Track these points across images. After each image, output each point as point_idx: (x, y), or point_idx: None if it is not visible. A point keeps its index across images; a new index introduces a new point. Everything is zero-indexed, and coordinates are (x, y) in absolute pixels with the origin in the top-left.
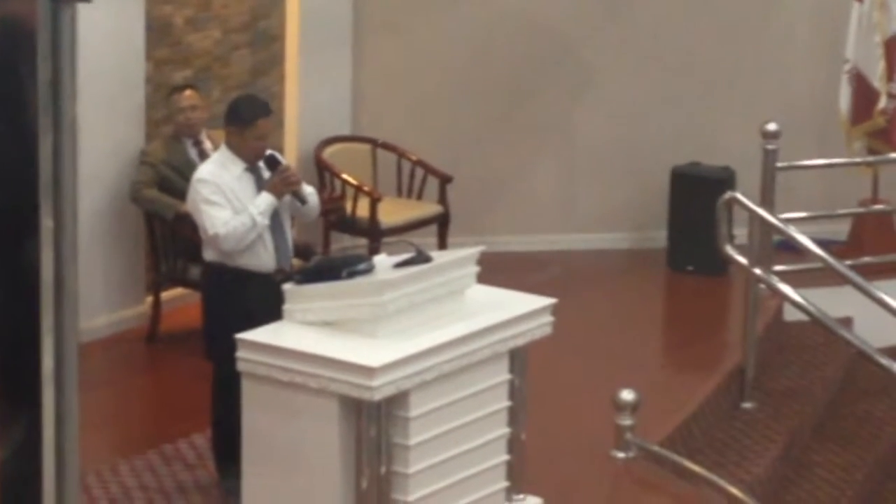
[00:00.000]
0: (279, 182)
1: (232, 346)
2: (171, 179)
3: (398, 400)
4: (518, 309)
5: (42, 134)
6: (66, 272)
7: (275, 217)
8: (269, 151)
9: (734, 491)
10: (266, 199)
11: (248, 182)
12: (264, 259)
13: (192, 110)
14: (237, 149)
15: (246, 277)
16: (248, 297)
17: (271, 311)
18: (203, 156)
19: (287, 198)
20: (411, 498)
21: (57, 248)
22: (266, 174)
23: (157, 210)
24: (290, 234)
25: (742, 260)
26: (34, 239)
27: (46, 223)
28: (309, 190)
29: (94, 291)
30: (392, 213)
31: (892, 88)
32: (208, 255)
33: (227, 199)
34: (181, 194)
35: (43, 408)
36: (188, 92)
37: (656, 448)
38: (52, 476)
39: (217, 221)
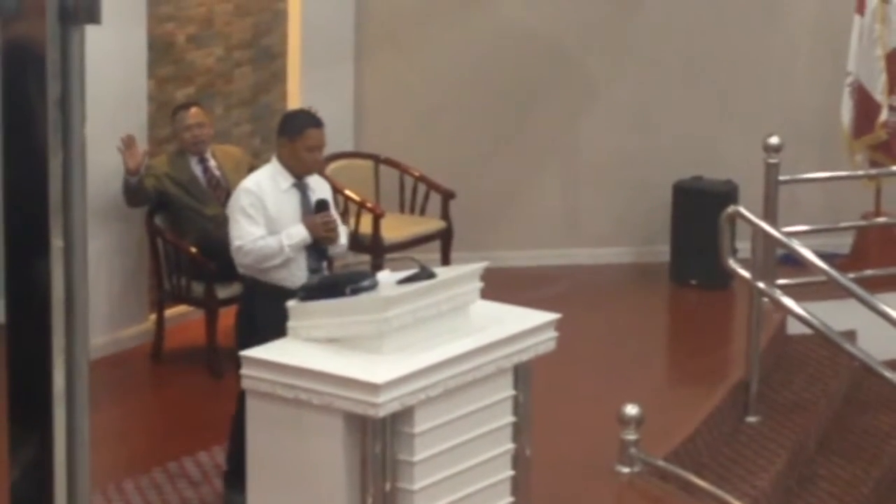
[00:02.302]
0: (321, 226)
1: None
2: (170, 193)
3: (403, 416)
4: (522, 324)
5: (52, 154)
6: (76, 292)
7: None
8: (322, 198)
9: None
10: (301, 234)
11: (293, 197)
12: (297, 276)
13: (199, 127)
14: (287, 161)
15: (277, 293)
16: (280, 311)
17: None
18: (208, 172)
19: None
20: None
21: (67, 268)
22: (312, 196)
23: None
24: (322, 252)
25: (745, 273)
26: (44, 259)
27: (56, 243)
28: (342, 241)
29: (97, 309)
30: (395, 229)
31: (893, 101)
32: (242, 267)
33: (267, 214)
34: (179, 208)
35: (54, 428)
36: (194, 109)
37: (661, 463)
38: (64, 497)
39: (245, 234)
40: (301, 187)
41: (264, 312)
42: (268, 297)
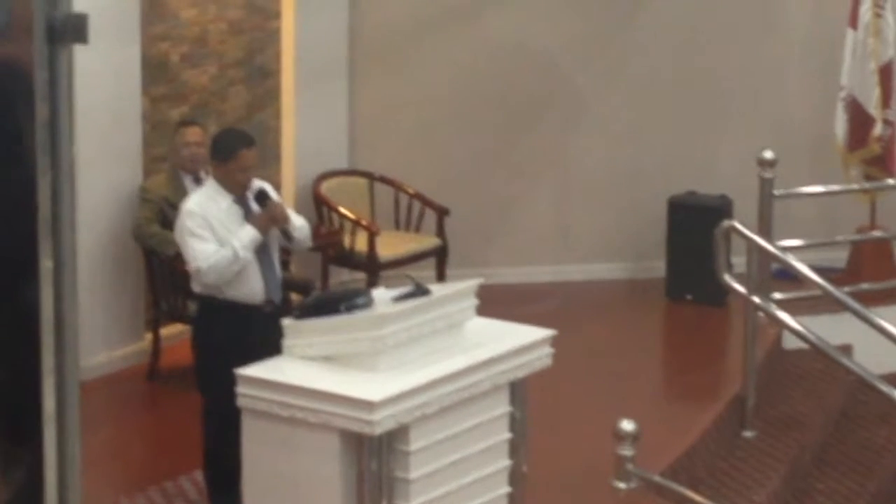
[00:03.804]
0: (265, 218)
1: (221, 377)
2: (170, 216)
3: (399, 434)
4: (518, 341)
5: (40, 174)
6: (66, 312)
7: (263, 248)
8: (259, 186)
9: None
10: (249, 233)
11: (236, 214)
12: (253, 290)
13: (198, 146)
14: (223, 181)
15: (234, 309)
16: (237, 328)
17: (261, 342)
18: None
19: (275, 230)
20: None
21: (57, 289)
22: (255, 206)
23: (159, 246)
24: (278, 266)
25: (740, 288)
26: (34, 279)
27: (46, 263)
28: (299, 224)
29: (94, 329)
30: (390, 246)
31: (887, 115)
32: (198, 287)
33: (214, 232)
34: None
35: (45, 449)
36: (195, 128)
37: (657, 478)
38: None
39: (200, 255)
40: (242, 203)
41: (222, 330)
42: (225, 315)
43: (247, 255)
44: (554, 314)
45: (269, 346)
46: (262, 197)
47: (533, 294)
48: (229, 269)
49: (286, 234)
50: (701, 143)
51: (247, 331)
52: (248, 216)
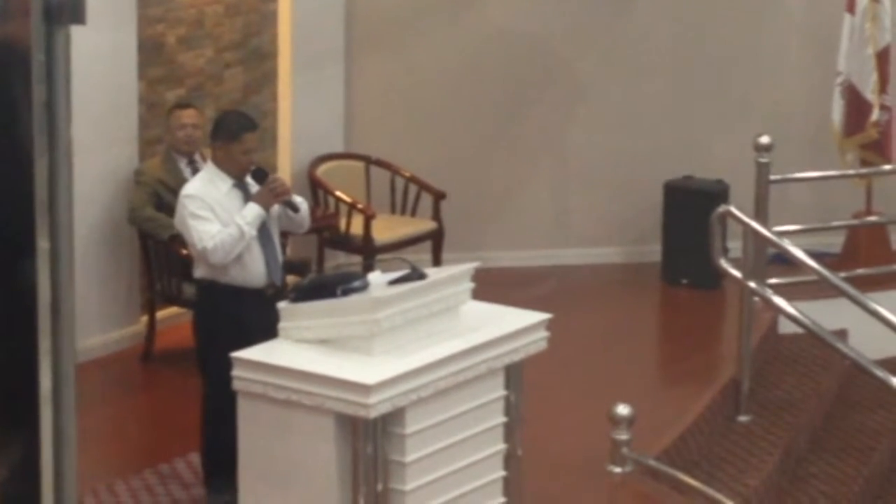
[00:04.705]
0: (267, 193)
1: (222, 361)
2: (165, 199)
3: (394, 417)
4: (513, 325)
5: (37, 155)
6: (62, 294)
7: (264, 231)
8: (255, 165)
9: None
10: (253, 210)
11: (236, 198)
12: (255, 274)
13: (194, 128)
14: (223, 164)
15: (237, 293)
16: (240, 312)
17: (263, 326)
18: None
19: (277, 211)
20: None
21: (53, 270)
22: (255, 188)
23: (154, 230)
24: (280, 249)
25: (736, 273)
26: (30, 261)
27: (42, 245)
28: (299, 199)
29: (89, 311)
30: (386, 229)
31: (884, 100)
32: (199, 271)
33: (215, 214)
34: (171, 212)
35: (41, 429)
36: (190, 110)
37: (652, 462)
38: (51, 498)
39: (205, 235)
40: (242, 187)
41: (224, 314)
42: (227, 299)
43: (252, 231)
44: (550, 298)
45: (271, 329)
46: (260, 174)
47: (529, 278)
48: (235, 247)
49: (291, 205)
50: (698, 127)
51: (249, 314)
52: (249, 199)
